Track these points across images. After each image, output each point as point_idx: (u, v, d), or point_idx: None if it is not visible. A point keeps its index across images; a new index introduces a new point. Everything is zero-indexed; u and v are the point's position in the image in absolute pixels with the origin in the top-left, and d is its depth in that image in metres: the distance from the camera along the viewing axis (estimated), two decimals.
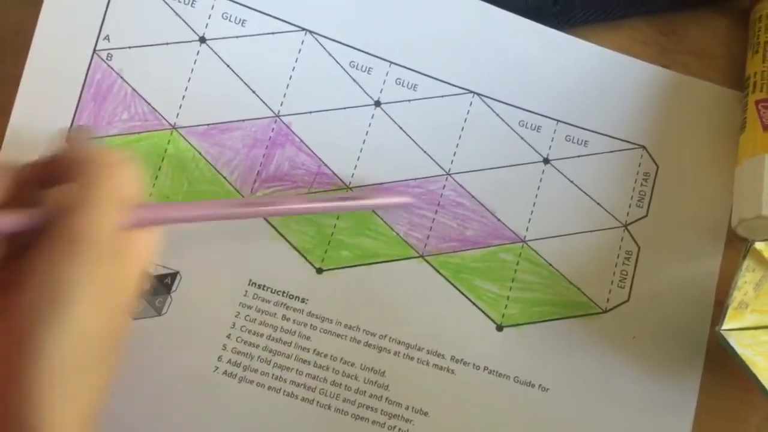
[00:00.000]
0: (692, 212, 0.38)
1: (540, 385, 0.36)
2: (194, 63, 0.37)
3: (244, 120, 0.38)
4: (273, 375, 0.36)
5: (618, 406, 0.36)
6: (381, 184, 0.38)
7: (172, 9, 0.37)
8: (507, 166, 0.38)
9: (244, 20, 0.38)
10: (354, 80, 0.38)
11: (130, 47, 0.37)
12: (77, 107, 0.37)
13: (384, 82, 0.38)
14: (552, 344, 0.36)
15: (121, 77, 0.37)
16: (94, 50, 0.37)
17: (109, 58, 0.37)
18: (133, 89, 0.37)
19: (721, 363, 0.36)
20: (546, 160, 0.38)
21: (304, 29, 0.38)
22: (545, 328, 0.36)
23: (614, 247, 0.38)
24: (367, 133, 0.38)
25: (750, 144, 0.37)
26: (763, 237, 0.37)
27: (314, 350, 0.36)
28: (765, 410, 0.36)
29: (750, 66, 0.39)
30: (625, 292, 0.37)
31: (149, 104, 0.37)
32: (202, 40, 0.37)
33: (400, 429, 0.35)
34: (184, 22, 0.37)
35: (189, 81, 0.38)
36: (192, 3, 0.38)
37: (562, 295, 0.37)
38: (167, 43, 0.37)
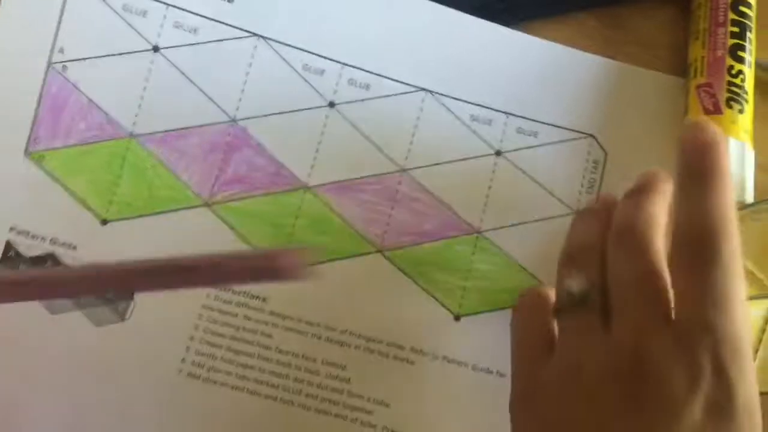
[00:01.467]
0: None
1: (497, 371, 0.37)
2: (149, 72, 0.38)
3: (200, 126, 0.39)
4: (236, 374, 0.36)
5: None
6: (339, 182, 0.39)
7: (125, 20, 0.38)
8: (460, 160, 0.39)
9: (196, 28, 0.39)
10: (307, 82, 0.39)
11: (84, 59, 0.38)
12: (34, 121, 0.38)
13: (337, 83, 0.39)
14: (509, 331, 0.37)
15: (77, 88, 0.38)
16: (49, 63, 0.38)
17: (64, 70, 0.38)
18: (90, 99, 0.38)
19: None
20: (498, 153, 0.39)
21: (256, 34, 0.39)
22: (502, 316, 0.37)
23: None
24: (322, 133, 0.39)
25: None
26: None
27: (276, 348, 0.37)
28: None
29: (691, 52, 0.40)
30: None
31: (106, 114, 0.38)
32: (156, 49, 0.38)
33: (361, 421, 0.36)
34: (137, 32, 0.38)
35: (144, 90, 0.38)
36: (144, 13, 0.38)
37: (518, 283, 0.38)
38: (121, 53, 0.38)
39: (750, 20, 0.40)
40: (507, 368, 0.37)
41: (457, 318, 0.37)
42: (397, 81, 0.40)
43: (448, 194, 0.39)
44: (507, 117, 0.39)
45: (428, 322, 0.37)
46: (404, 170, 0.39)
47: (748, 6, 0.40)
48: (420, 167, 0.39)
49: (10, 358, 0.36)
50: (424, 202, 0.39)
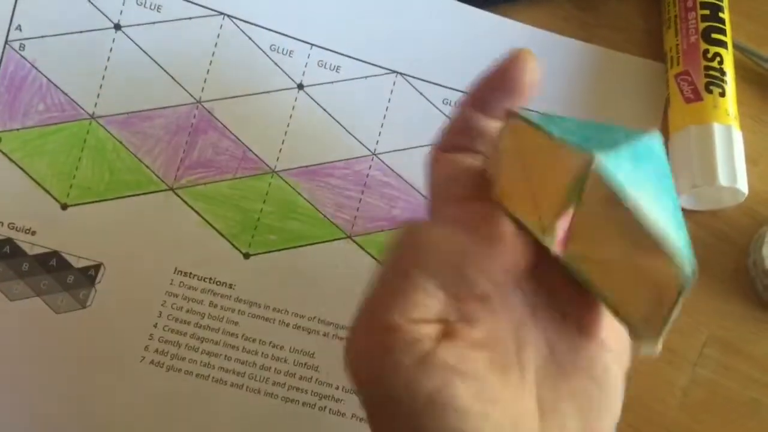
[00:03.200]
0: None
1: None
2: (110, 51, 0.37)
3: (164, 107, 0.38)
4: (201, 362, 0.35)
5: None
6: (307, 166, 0.38)
7: None
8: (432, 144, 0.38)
9: (159, 5, 0.37)
10: (275, 63, 0.38)
11: (43, 36, 0.37)
12: None
13: (306, 64, 0.38)
14: None
15: (35, 67, 0.36)
16: (6, 41, 0.36)
17: (21, 49, 0.36)
18: (48, 80, 0.37)
19: None
20: None
21: (221, 13, 0.38)
22: None
23: None
24: (290, 116, 0.38)
25: (677, 117, 0.38)
26: (707, 207, 0.38)
27: (243, 335, 0.36)
28: (691, 373, 0.37)
29: (666, 42, 0.40)
30: None
31: (66, 94, 0.37)
32: (117, 27, 0.37)
33: (330, 409, 0.35)
34: (98, 9, 0.37)
35: (106, 69, 0.37)
36: None
37: None
38: (81, 31, 0.37)
39: (720, 0, 0.39)
40: None
41: None
42: (368, 63, 0.39)
43: (419, 179, 0.38)
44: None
45: None
46: (375, 155, 0.38)
47: None
48: (390, 151, 0.38)
49: None
50: (395, 187, 0.38)
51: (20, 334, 0.35)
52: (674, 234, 0.21)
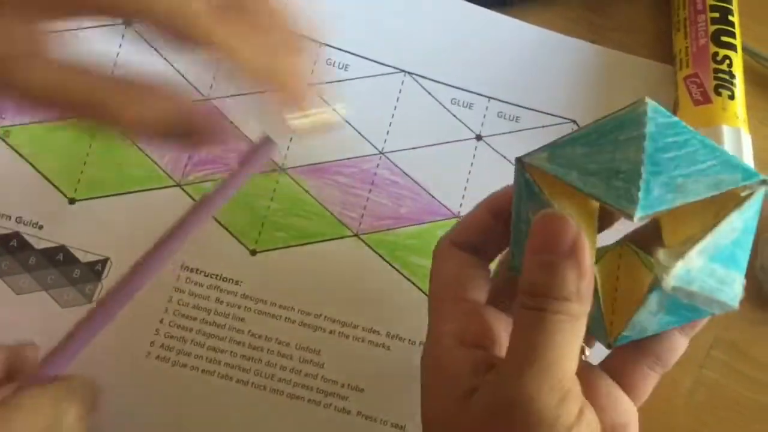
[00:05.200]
0: None
1: None
2: (119, 47, 0.37)
3: None
4: (207, 358, 0.35)
5: None
6: (315, 164, 0.38)
7: None
8: (440, 144, 0.38)
9: None
10: None
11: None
12: None
13: (315, 63, 0.38)
14: None
15: None
16: None
17: None
18: None
19: None
20: (479, 137, 0.38)
21: None
22: None
23: None
24: None
25: (686, 119, 0.37)
26: None
27: (249, 332, 0.36)
28: (697, 374, 0.37)
29: (675, 45, 0.40)
30: None
31: None
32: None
33: (335, 406, 0.35)
34: None
35: (115, 64, 0.37)
36: None
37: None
38: (93, 27, 0.37)
39: (730, 3, 0.39)
40: None
41: None
42: (376, 62, 0.39)
43: (426, 178, 0.38)
44: (489, 101, 0.39)
45: (405, 307, 0.36)
46: (382, 153, 0.38)
47: None
48: (398, 150, 0.38)
49: None
50: (402, 186, 0.38)
51: (26, 327, 0.35)
52: None
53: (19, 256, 0.36)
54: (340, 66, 0.38)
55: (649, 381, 0.28)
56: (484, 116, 0.39)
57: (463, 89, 0.39)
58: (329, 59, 0.38)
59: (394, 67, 0.39)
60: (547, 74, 0.39)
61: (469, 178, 0.38)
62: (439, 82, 0.39)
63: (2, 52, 0.22)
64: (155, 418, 0.35)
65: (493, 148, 0.38)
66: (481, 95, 0.39)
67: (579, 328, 0.24)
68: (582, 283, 0.24)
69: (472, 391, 0.25)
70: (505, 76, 0.39)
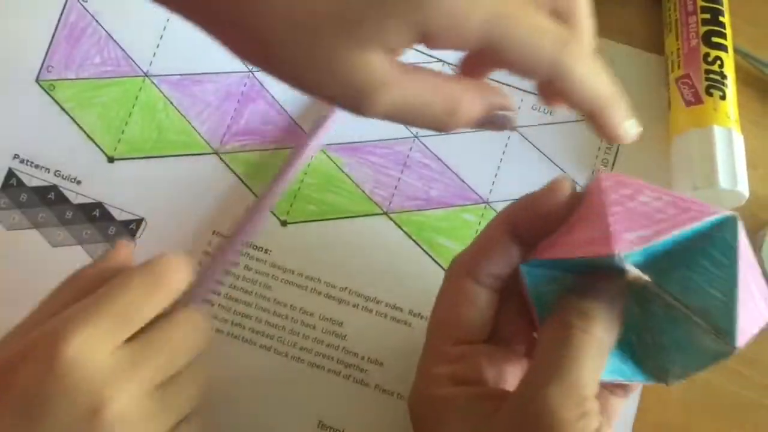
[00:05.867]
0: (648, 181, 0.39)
1: None
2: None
3: (217, 73, 0.38)
4: (233, 322, 0.36)
5: None
6: (351, 143, 0.38)
7: None
8: (474, 131, 0.39)
9: None
10: None
11: None
12: (49, 47, 0.37)
13: None
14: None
15: (96, 20, 0.37)
16: None
17: (84, 0, 0.37)
18: (108, 33, 0.38)
19: None
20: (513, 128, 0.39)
21: None
22: None
23: None
24: None
25: (678, 120, 0.38)
26: None
27: (274, 299, 0.36)
28: None
29: (667, 46, 0.40)
30: None
31: (123, 50, 0.38)
32: None
33: (354, 378, 0.36)
34: None
35: (164, 29, 0.38)
36: None
37: None
38: None
39: (720, 4, 0.39)
40: None
41: None
42: (415, 49, 0.39)
43: (458, 163, 0.39)
44: (524, 94, 0.39)
45: (429, 286, 0.37)
46: (416, 137, 0.39)
47: None
48: (432, 135, 0.39)
49: (8, 285, 0.36)
50: (434, 169, 0.39)
51: (60, 278, 0.36)
52: None
53: (56, 209, 0.37)
54: None
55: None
56: (519, 108, 0.39)
57: (499, 82, 0.39)
58: None
59: (431, 56, 0.39)
60: None
61: (500, 166, 0.39)
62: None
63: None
64: None
65: (526, 138, 0.39)
66: (517, 89, 0.39)
67: (604, 352, 0.26)
68: (614, 313, 0.26)
69: (485, 416, 0.26)
70: None
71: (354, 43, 0.22)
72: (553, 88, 0.25)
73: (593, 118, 0.26)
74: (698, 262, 0.26)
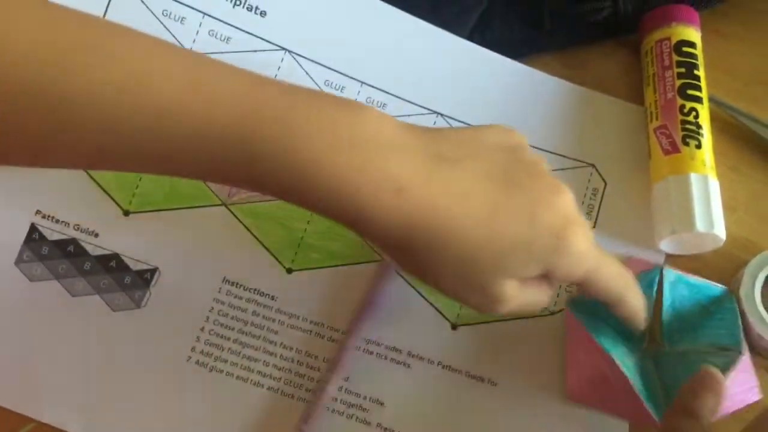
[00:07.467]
0: (631, 225, 0.42)
1: (489, 380, 0.39)
2: None
3: None
4: (242, 366, 0.38)
5: (564, 401, 0.39)
6: None
7: (163, 24, 0.41)
8: None
9: (229, 38, 0.41)
10: None
11: None
12: None
13: (355, 100, 0.42)
14: (503, 342, 0.39)
15: None
16: None
17: None
18: None
19: None
20: None
21: (283, 49, 0.41)
22: (497, 327, 0.39)
23: None
24: None
25: (658, 168, 0.41)
26: (689, 251, 0.41)
27: (281, 343, 0.39)
28: None
29: (646, 98, 0.42)
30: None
31: None
32: None
33: (357, 417, 0.38)
34: (174, 36, 0.41)
35: None
36: (182, 20, 0.41)
37: None
38: None
39: (695, 59, 0.42)
40: (499, 377, 0.39)
41: (454, 327, 0.40)
42: (412, 102, 0.42)
43: None
44: None
45: (426, 329, 0.39)
46: None
47: (692, 45, 0.42)
48: None
49: (31, 332, 0.38)
50: None
51: (78, 326, 0.38)
52: None
53: (75, 261, 0.39)
54: (379, 104, 0.42)
55: None
56: None
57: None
58: (369, 98, 0.42)
59: (429, 109, 0.42)
60: (568, 120, 0.42)
61: None
62: (462, 121, 0.42)
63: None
64: (191, 416, 0.38)
65: None
66: None
67: None
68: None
69: None
70: (531, 122, 0.42)
71: (501, 275, 0.30)
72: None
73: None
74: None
